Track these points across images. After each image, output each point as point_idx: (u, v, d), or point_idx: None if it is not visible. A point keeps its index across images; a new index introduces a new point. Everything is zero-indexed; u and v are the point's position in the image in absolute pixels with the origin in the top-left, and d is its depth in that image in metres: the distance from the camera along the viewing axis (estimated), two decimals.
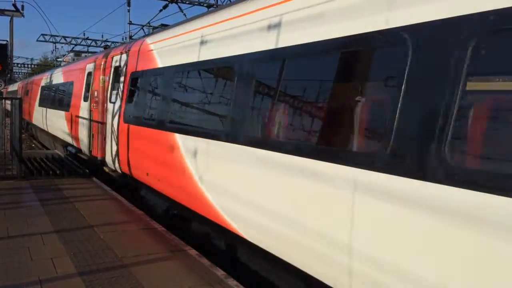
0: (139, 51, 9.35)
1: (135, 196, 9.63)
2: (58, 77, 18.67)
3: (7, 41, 16.04)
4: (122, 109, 9.70)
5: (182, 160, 6.65)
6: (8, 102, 15.42)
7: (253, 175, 4.98)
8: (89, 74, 12.99)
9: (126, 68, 9.87)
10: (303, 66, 4.60)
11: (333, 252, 3.77)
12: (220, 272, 5.30)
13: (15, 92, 37.64)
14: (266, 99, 5.12)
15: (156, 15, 27.65)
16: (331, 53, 4.10)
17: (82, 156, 13.60)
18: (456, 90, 2.88)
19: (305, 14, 4.41)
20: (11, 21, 20.07)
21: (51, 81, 20.24)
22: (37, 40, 41.75)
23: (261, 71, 5.18)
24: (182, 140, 6.75)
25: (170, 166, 7.14)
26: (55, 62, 46.40)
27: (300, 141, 4.42)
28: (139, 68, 9.10)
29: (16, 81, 47.08)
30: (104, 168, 11.62)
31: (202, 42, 6.63)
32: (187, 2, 22.68)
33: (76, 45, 41.17)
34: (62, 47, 44.40)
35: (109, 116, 10.61)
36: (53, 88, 19.11)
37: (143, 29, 27.49)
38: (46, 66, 56.88)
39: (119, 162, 9.90)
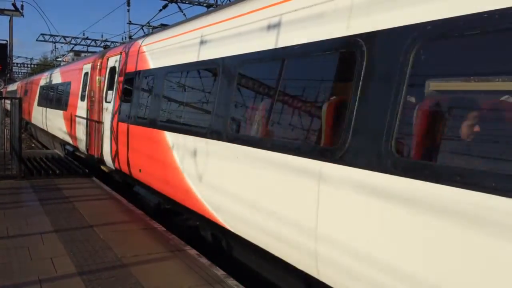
0: (133, 52, 9.69)
1: (131, 193, 9.80)
2: (56, 77, 18.92)
3: (7, 40, 16.02)
4: (117, 108, 10.04)
5: (171, 156, 7.04)
6: (8, 101, 15.42)
7: (231, 169, 5.39)
8: (86, 74, 13.24)
9: (120, 69, 10.21)
10: (274, 69, 4.97)
11: (301, 237, 4.13)
12: (220, 272, 5.30)
13: (14, 92, 37.65)
14: (238, 99, 5.56)
15: (156, 15, 27.68)
16: (300, 56, 4.52)
17: (80, 154, 13.74)
18: (401, 91, 3.26)
19: (278, 20, 4.87)
20: (10, 21, 20.08)
21: (49, 81, 20.46)
22: (36, 40, 41.87)
23: (229, 75, 5.70)
24: (171, 138, 7.15)
25: (160, 162, 7.49)
26: (54, 62, 46.36)
27: (274, 138, 4.79)
28: (133, 69, 9.43)
29: (15, 81, 47.05)
30: (101, 166, 11.70)
31: (184, 46, 7.24)
32: (186, 2, 22.71)
33: (75, 45, 41.24)
34: (61, 47, 44.49)
35: (105, 115, 10.91)
36: (52, 88, 19.36)
37: (142, 29, 27.51)
38: (46, 66, 56.84)
39: (114, 160, 10.15)
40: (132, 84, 9.40)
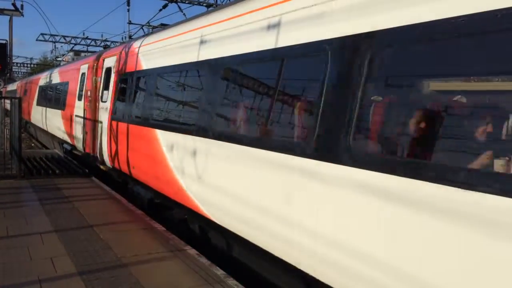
0: (127, 54, 10.05)
1: (126, 190, 10.10)
2: (55, 77, 19.20)
3: (7, 40, 15.98)
4: (111, 107, 10.40)
5: (161, 153, 7.42)
6: (8, 101, 15.42)
7: (214, 164, 5.82)
8: (83, 74, 13.57)
9: (115, 70, 10.59)
10: (253, 71, 5.42)
11: (276, 224, 4.54)
12: (219, 272, 5.30)
13: (14, 91, 37.65)
14: (221, 99, 6.01)
15: (156, 14, 27.67)
16: (277, 60, 4.89)
17: (77, 153, 13.95)
18: (357, 92, 3.64)
19: (252, 27, 5.33)
20: (10, 21, 20.05)
21: (48, 81, 20.71)
22: (36, 40, 41.80)
23: (211, 77, 6.18)
24: (161, 135, 7.53)
25: (152, 159, 7.84)
26: (54, 61, 46.35)
27: (252, 135, 5.22)
28: (127, 70, 9.81)
29: (15, 81, 47.00)
30: (97, 164, 11.86)
31: (171, 49, 7.76)
32: (186, 2, 22.69)
33: (75, 44, 41.19)
34: (61, 46, 44.36)
35: (100, 114, 11.26)
36: (50, 88, 19.67)
37: (142, 29, 27.48)
38: (46, 65, 56.81)
39: (109, 158, 10.45)
40: (126, 84, 9.74)
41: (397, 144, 3.53)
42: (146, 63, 8.86)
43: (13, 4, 19.35)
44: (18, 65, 62.49)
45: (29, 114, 24.98)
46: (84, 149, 12.77)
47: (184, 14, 22.05)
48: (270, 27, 5.00)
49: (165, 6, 21.96)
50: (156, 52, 8.44)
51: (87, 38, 40.29)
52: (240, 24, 5.65)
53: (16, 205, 8.18)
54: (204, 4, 23.45)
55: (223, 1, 22.07)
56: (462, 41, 3.03)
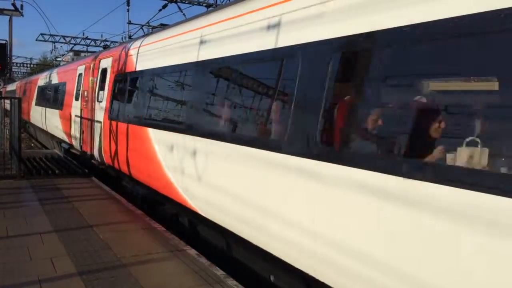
0: (121, 55, 10.41)
1: (121, 187, 10.45)
2: (53, 77, 19.56)
3: (6, 40, 15.95)
4: (107, 107, 10.74)
5: (153, 151, 7.79)
6: (7, 101, 15.42)
7: (199, 159, 6.21)
8: (80, 75, 13.95)
9: (111, 71, 10.95)
10: (235, 74, 5.80)
11: (254, 214, 4.95)
12: (219, 272, 5.30)
13: (13, 91, 37.68)
14: (199, 100, 6.54)
15: (156, 14, 27.65)
16: (254, 62, 5.34)
17: (74, 151, 14.23)
18: (322, 93, 4.00)
19: (232, 33, 5.77)
20: (10, 21, 20.02)
21: (46, 81, 21.06)
22: (36, 40, 41.71)
23: (195, 80, 6.68)
24: (152, 133, 7.93)
25: (145, 156, 8.17)
26: (54, 61, 46.27)
27: (232, 133, 5.65)
28: (121, 71, 10.18)
29: (15, 81, 46.97)
30: (93, 162, 12.12)
31: (157, 52, 8.32)
32: (186, 2, 22.68)
33: (75, 44, 41.13)
34: (61, 46, 44.12)
35: (97, 114, 11.60)
36: (49, 88, 20.06)
37: (142, 29, 27.44)
38: (45, 65, 56.77)
39: (105, 155, 10.78)
40: (120, 85, 10.15)
41: (357, 140, 3.98)
42: (138, 64, 9.24)
43: (13, 4, 19.31)
44: (18, 65, 62.42)
45: (28, 114, 25.22)
46: (81, 147, 13.05)
47: (184, 14, 22.05)
48: (239, 34, 5.57)
49: (164, 6, 21.94)
50: (147, 55, 8.89)
51: (87, 38, 40.25)
52: (213, 31, 6.31)
53: (16, 205, 8.18)
54: (204, 4, 23.44)
55: (222, 1, 22.07)
56: (401, 48, 3.53)
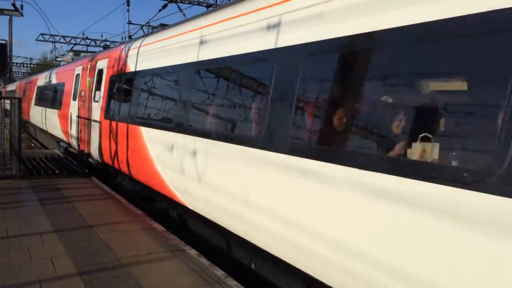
0: (117, 57, 10.77)
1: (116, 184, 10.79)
2: (52, 78, 19.97)
3: (6, 40, 15.94)
4: (103, 106, 11.08)
5: (146, 148, 8.17)
6: (7, 101, 15.42)
7: (187, 155, 6.54)
8: (78, 75, 14.28)
9: (106, 71, 11.32)
10: (219, 75, 6.29)
11: (234, 205, 5.34)
12: (219, 272, 5.30)
13: (13, 91, 37.71)
14: (182, 99, 6.98)
15: (156, 14, 27.63)
16: (233, 65, 5.77)
17: (72, 150, 14.54)
18: (294, 94, 4.40)
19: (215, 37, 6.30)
20: (10, 21, 20.01)
21: (45, 81, 21.44)
22: (36, 40, 41.72)
23: (181, 81, 7.14)
24: (145, 132, 8.32)
25: (137, 154, 8.55)
26: (54, 61, 46.23)
27: (213, 130, 6.04)
28: (116, 72, 10.52)
29: (15, 81, 46.96)
30: (90, 160, 12.39)
31: (148, 55, 8.84)
32: (186, 2, 22.67)
33: (75, 44, 41.10)
34: (61, 46, 44.05)
35: (93, 113, 11.94)
36: (48, 88, 20.41)
37: (142, 29, 27.43)
38: (45, 65, 56.75)
39: (101, 154, 11.06)
40: (115, 85, 10.50)
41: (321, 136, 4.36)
42: (131, 66, 9.64)
43: (13, 4, 19.29)
44: (18, 65, 62.40)
45: (27, 114, 25.49)
46: (78, 146, 13.37)
47: (184, 14, 22.04)
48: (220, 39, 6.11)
49: (164, 6, 21.92)
50: (138, 57, 9.33)
51: (86, 38, 40.21)
52: (188, 38, 7.04)
53: (16, 205, 8.18)
54: (204, 4, 23.43)
55: (222, 1, 22.07)
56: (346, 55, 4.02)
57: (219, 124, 6.13)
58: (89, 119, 12.25)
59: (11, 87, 42.04)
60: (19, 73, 66.75)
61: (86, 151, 12.47)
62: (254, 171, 4.99)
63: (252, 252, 5.41)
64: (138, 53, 9.39)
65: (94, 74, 12.31)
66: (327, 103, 4.30)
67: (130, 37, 26.01)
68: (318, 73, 4.46)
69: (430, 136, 3.17)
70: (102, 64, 11.90)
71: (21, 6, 20.01)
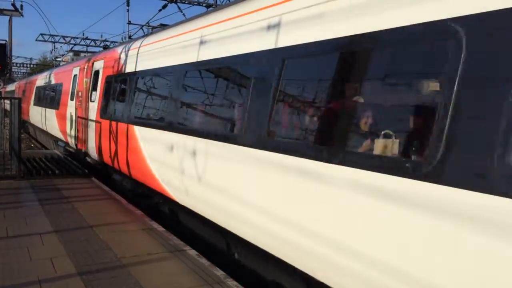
0: (112, 58, 11.18)
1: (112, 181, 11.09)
2: (50, 78, 20.25)
3: (6, 40, 15.94)
4: (99, 106, 11.42)
5: (139, 146, 8.51)
6: (7, 101, 15.43)
7: (177, 152, 6.89)
8: (75, 76, 14.61)
9: (102, 72, 11.71)
10: (203, 77, 6.67)
11: (218, 197, 5.68)
12: (219, 272, 5.30)
13: (12, 92, 37.73)
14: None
15: (156, 15, 27.63)
16: (218, 68, 6.19)
17: (70, 149, 14.79)
18: (270, 96, 4.78)
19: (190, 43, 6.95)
20: (10, 21, 20.00)
21: (44, 82, 21.69)
22: (36, 40, 41.71)
23: (170, 82, 7.58)
24: (138, 130, 8.66)
25: (131, 151, 8.88)
26: (54, 62, 46.22)
27: (198, 128, 6.47)
28: (111, 73, 10.90)
29: (15, 81, 46.96)
30: (87, 158, 12.62)
31: (140, 56, 9.33)
32: (186, 2, 22.67)
33: (75, 45, 41.09)
34: (61, 46, 44.04)
35: (90, 113, 12.26)
36: (46, 88, 20.70)
37: (142, 29, 27.44)
38: (45, 66, 56.71)
39: (97, 152, 11.38)
40: (111, 86, 10.84)
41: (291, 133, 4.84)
42: (125, 67, 10.04)
43: (13, 5, 19.29)
44: (18, 65, 62.40)
45: (27, 114, 25.69)
46: (76, 145, 13.65)
47: (183, 14, 22.05)
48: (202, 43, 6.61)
49: (164, 7, 21.92)
50: (130, 59, 9.78)
51: (86, 38, 40.20)
52: (171, 43, 7.67)
53: (16, 205, 8.18)
54: (204, 5, 23.44)
55: (222, 1, 22.07)
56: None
57: (204, 123, 6.56)
58: (86, 119, 12.51)
59: (10, 87, 42.04)
60: (19, 73, 66.73)
61: (83, 149, 12.73)
62: (230, 165, 5.44)
63: (228, 236, 5.93)
64: (128, 56, 9.94)
65: (91, 74, 12.62)
66: (295, 105, 4.86)
67: (130, 37, 26.01)
68: (290, 76, 4.82)
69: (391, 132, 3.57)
70: (98, 65, 12.24)
71: (21, 6, 20.03)
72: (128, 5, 25.60)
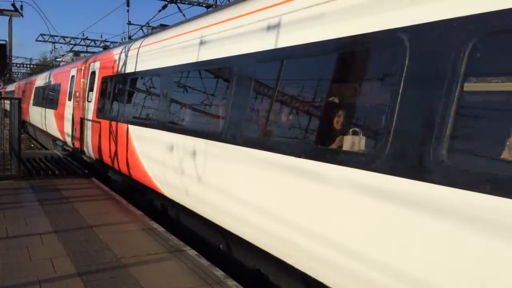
0: (107, 60, 11.51)
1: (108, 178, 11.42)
2: (49, 79, 20.63)
3: (6, 41, 15.93)
4: (95, 106, 11.82)
5: (132, 144, 8.90)
6: (7, 102, 15.43)
7: (168, 150, 7.19)
8: (73, 77, 15.01)
9: (99, 73, 12.08)
10: (190, 78, 7.10)
11: (209, 193, 5.98)
12: (219, 272, 5.30)
13: (12, 92, 37.75)
14: (156, 99, 8.06)
15: (156, 15, 27.63)
16: (207, 69, 6.52)
17: (67, 148, 15.19)
18: (254, 97, 5.18)
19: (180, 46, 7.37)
20: (10, 21, 20.00)
21: (43, 82, 22.01)
22: (36, 40, 41.70)
23: (161, 83, 8.01)
24: (131, 129, 9.05)
25: (126, 150, 9.22)
26: (54, 62, 46.22)
27: (186, 127, 6.89)
28: (107, 74, 11.24)
29: (15, 81, 46.98)
30: (83, 157, 13.05)
31: (130, 59, 9.84)
32: (186, 3, 22.68)
33: (75, 45, 41.08)
34: (61, 47, 44.06)
35: (86, 113, 12.63)
36: (45, 89, 21.03)
37: (142, 29, 27.42)
38: (45, 66, 56.71)
39: (93, 151, 11.74)
40: (107, 86, 11.16)
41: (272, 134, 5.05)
42: (119, 68, 10.39)
43: (13, 5, 19.29)
44: (18, 65, 62.39)
45: (26, 114, 25.90)
46: (73, 144, 14.01)
47: (183, 14, 22.05)
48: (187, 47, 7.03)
49: (164, 7, 21.92)
50: (126, 60, 10.03)
51: (86, 38, 40.18)
52: (161, 46, 8.13)
53: (16, 206, 8.18)
54: (204, 5, 23.44)
55: (222, 2, 22.07)
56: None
57: (190, 121, 7.00)
58: (83, 118, 12.86)
59: (10, 87, 42.05)
60: (19, 73, 66.72)
61: (80, 148, 13.10)
62: (212, 160, 5.89)
63: (200, 221, 6.51)
64: (120, 58, 10.37)
65: (88, 75, 12.99)
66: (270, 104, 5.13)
67: (130, 37, 26.02)
68: (264, 78, 5.20)
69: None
70: (95, 66, 12.59)
71: (21, 6, 20.05)
72: (128, 5, 25.59)
